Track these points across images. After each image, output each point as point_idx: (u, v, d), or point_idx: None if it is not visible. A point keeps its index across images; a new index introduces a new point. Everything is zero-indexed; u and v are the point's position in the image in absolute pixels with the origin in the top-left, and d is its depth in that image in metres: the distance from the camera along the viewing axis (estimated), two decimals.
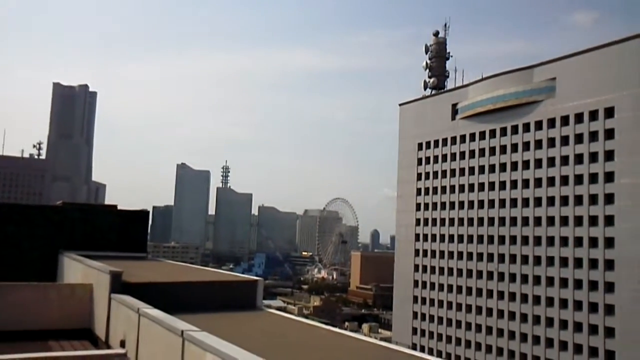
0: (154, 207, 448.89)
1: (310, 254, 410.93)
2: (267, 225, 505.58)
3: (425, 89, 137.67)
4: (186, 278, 16.13)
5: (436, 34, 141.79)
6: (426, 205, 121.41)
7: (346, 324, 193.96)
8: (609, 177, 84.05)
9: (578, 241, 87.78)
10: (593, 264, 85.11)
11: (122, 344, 11.22)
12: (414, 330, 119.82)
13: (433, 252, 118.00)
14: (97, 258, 15.96)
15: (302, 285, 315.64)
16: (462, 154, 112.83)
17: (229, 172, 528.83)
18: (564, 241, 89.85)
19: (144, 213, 23.73)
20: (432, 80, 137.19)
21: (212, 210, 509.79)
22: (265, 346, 9.66)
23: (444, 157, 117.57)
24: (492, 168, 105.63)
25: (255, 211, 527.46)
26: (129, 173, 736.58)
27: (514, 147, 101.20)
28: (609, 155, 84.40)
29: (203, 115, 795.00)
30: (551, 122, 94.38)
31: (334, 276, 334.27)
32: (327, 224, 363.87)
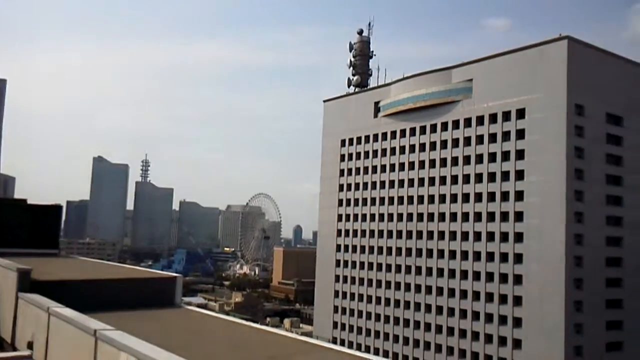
0: (68, 202, 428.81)
1: (233, 249, 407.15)
2: (188, 221, 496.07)
3: (349, 86, 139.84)
4: (101, 275, 15.57)
5: (360, 32, 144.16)
6: (348, 201, 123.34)
7: (268, 319, 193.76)
8: (520, 175, 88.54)
9: (490, 236, 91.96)
10: (504, 257, 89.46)
11: (30, 346, 10.67)
12: (335, 324, 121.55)
13: (354, 248, 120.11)
14: (5, 255, 15.10)
15: (224, 281, 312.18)
16: (384, 151, 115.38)
17: (149, 166, 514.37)
18: (477, 236, 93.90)
19: (56, 208, 22.71)
20: (355, 78, 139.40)
21: (130, 206, 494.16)
22: (183, 344, 9.50)
23: (367, 153, 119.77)
24: (412, 165, 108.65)
25: (176, 206, 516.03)
26: (42, 166, 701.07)
27: (433, 145, 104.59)
28: (520, 154, 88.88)
29: (123, 108, 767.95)
30: (468, 122, 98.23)
31: (256, 272, 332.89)
32: (250, 219, 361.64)
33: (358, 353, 9.06)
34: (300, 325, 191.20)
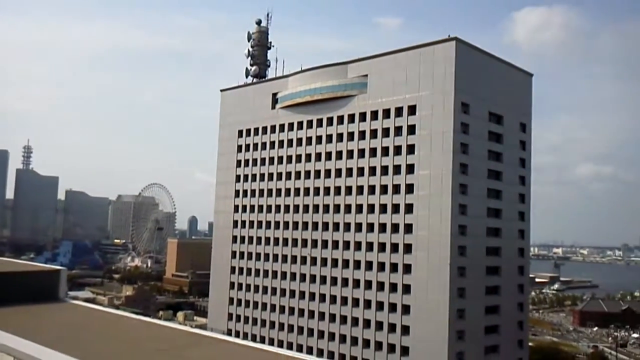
0: None
1: (124, 241, 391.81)
2: (75, 211, 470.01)
3: (247, 76, 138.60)
4: None
5: (259, 22, 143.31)
6: (245, 192, 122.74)
7: (160, 312, 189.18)
8: (410, 168, 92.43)
9: (382, 227, 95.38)
10: (395, 248, 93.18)
11: None
12: (230, 316, 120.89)
13: (250, 239, 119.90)
14: None
15: (114, 274, 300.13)
16: (282, 143, 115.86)
17: (31, 152, 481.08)
18: (370, 227, 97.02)
19: None
20: (253, 68, 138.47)
21: (10, 194, 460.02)
22: (67, 339, 9.15)
23: (264, 145, 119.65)
24: (308, 157, 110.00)
25: (62, 196, 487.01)
26: None
27: (329, 138, 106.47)
28: (411, 149, 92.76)
29: (4, 88, 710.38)
30: (362, 116, 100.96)
31: (149, 264, 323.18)
32: (143, 210, 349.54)
33: (250, 343, 9.19)
34: (195, 317, 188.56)
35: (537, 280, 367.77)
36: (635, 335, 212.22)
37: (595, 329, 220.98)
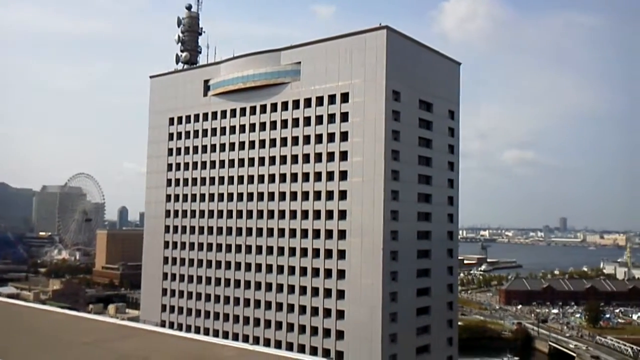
0: None
1: (50, 234, 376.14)
2: None
3: (177, 62, 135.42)
4: None
5: (189, 7, 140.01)
6: (177, 181, 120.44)
7: (90, 306, 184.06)
8: (344, 155, 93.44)
9: (317, 214, 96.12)
10: (329, 234, 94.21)
11: None
12: (164, 307, 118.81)
13: (184, 228, 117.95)
14: None
15: (40, 268, 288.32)
16: (214, 131, 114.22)
17: None
18: (305, 214, 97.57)
19: None
20: (184, 54, 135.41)
21: None
22: None
23: (196, 133, 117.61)
24: (242, 145, 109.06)
25: None
26: None
27: (263, 126, 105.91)
28: (344, 136, 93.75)
29: None
30: (296, 104, 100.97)
31: (77, 257, 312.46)
32: (69, 201, 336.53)
33: (182, 333, 9.16)
34: (127, 310, 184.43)
35: (465, 262, 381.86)
36: (555, 311, 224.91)
37: (519, 306, 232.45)
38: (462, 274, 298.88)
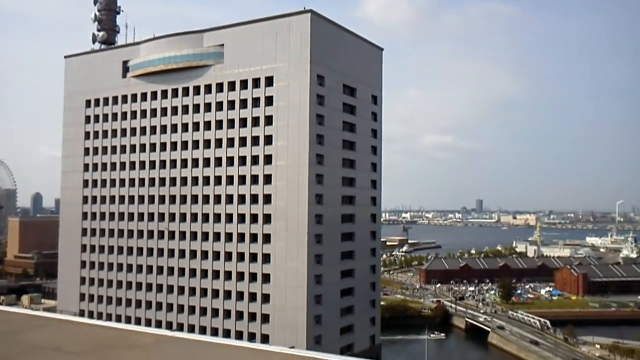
0: None
1: None
2: None
3: (94, 42, 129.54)
4: None
5: None
6: (95, 166, 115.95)
7: (1, 297, 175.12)
8: (268, 139, 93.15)
9: (242, 198, 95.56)
10: (254, 218, 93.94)
11: None
12: (82, 296, 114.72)
13: (103, 215, 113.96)
14: None
15: None
16: (134, 114, 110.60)
17: None
18: (230, 199, 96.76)
19: None
20: (101, 34, 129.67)
21: None
22: None
23: (115, 115, 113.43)
24: (164, 129, 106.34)
25: None
26: None
27: (185, 109, 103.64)
28: (269, 120, 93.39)
29: None
30: (220, 87, 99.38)
31: None
32: None
33: (96, 321, 8.95)
34: (43, 300, 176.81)
35: (388, 243, 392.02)
36: (471, 288, 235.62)
37: (439, 285, 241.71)
38: (384, 256, 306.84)
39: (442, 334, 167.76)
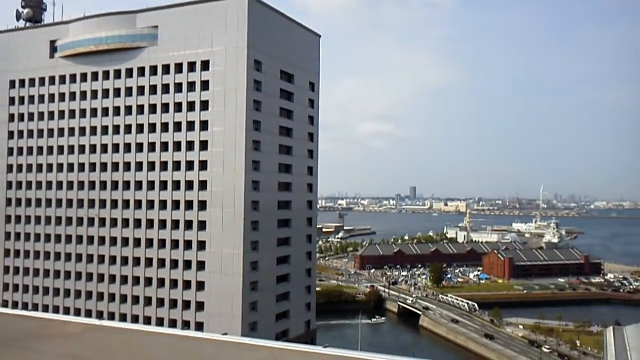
0: None
1: None
2: None
3: (18, 19, 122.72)
4: None
5: None
6: (20, 150, 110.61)
7: None
8: (204, 125, 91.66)
9: (176, 184, 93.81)
10: (189, 205, 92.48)
11: None
12: (6, 286, 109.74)
13: (28, 201, 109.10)
14: None
15: None
16: (63, 96, 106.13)
17: None
18: (164, 185, 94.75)
19: None
20: (26, 11, 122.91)
21: None
22: None
23: (42, 97, 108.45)
24: (94, 112, 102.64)
25: None
26: None
27: (117, 92, 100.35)
28: (205, 105, 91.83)
29: None
30: (154, 70, 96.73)
31: None
32: None
33: (19, 312, 8.69)
34: None
35: (324, 230, 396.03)
36: (404, 273, 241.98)
37: (373, 270, 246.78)
38: (320, 242, 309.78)
39: (383, 318, 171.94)
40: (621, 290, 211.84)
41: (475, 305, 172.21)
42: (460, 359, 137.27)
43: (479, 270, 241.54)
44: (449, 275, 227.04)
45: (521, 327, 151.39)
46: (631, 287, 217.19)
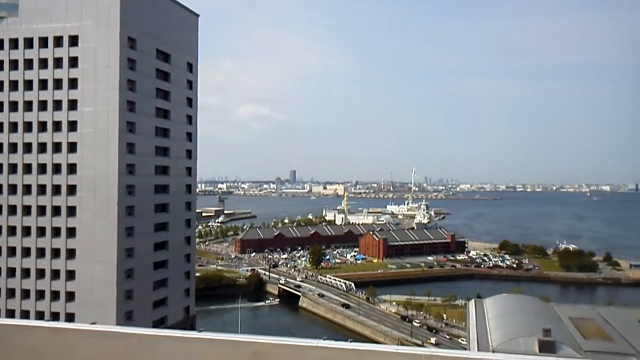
0: None
1: None
2: None
3: None
4: None
5: None
6: None
7: None
8: (73, 104, 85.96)
9: (42, 168, 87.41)
10: (57, 190, 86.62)
11: None
12: None
13: None
14: None
15: None
16: None
17: None
18: (28, 168, 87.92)
19: None
20: None
21: None
22: None
23: None
24: None
25: None
26: None
27: None
28: (73, 83, 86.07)
29: None
30: (14, 43, 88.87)
31: None
32: None
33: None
34: None
35: (203, 214, 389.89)
36: (284, 256, 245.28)
37: (253, 254, 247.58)
38: (200, 227, 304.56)
39: (277, 300, 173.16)
40: (482, 266, 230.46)
41: (352, 284, 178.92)
42: (330, 332, 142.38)
43: (355, 251, 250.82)
44: (327, 257, 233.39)
45: (394, 303, 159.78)
46: (491, 263, 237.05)
